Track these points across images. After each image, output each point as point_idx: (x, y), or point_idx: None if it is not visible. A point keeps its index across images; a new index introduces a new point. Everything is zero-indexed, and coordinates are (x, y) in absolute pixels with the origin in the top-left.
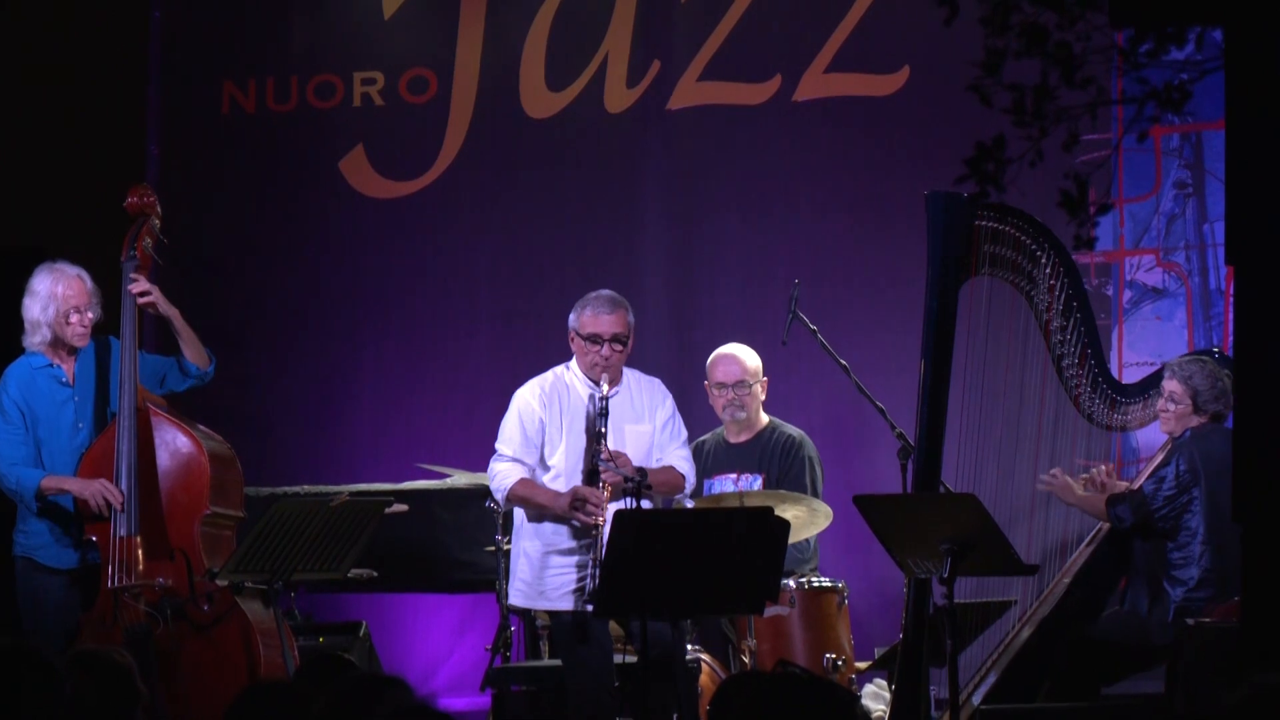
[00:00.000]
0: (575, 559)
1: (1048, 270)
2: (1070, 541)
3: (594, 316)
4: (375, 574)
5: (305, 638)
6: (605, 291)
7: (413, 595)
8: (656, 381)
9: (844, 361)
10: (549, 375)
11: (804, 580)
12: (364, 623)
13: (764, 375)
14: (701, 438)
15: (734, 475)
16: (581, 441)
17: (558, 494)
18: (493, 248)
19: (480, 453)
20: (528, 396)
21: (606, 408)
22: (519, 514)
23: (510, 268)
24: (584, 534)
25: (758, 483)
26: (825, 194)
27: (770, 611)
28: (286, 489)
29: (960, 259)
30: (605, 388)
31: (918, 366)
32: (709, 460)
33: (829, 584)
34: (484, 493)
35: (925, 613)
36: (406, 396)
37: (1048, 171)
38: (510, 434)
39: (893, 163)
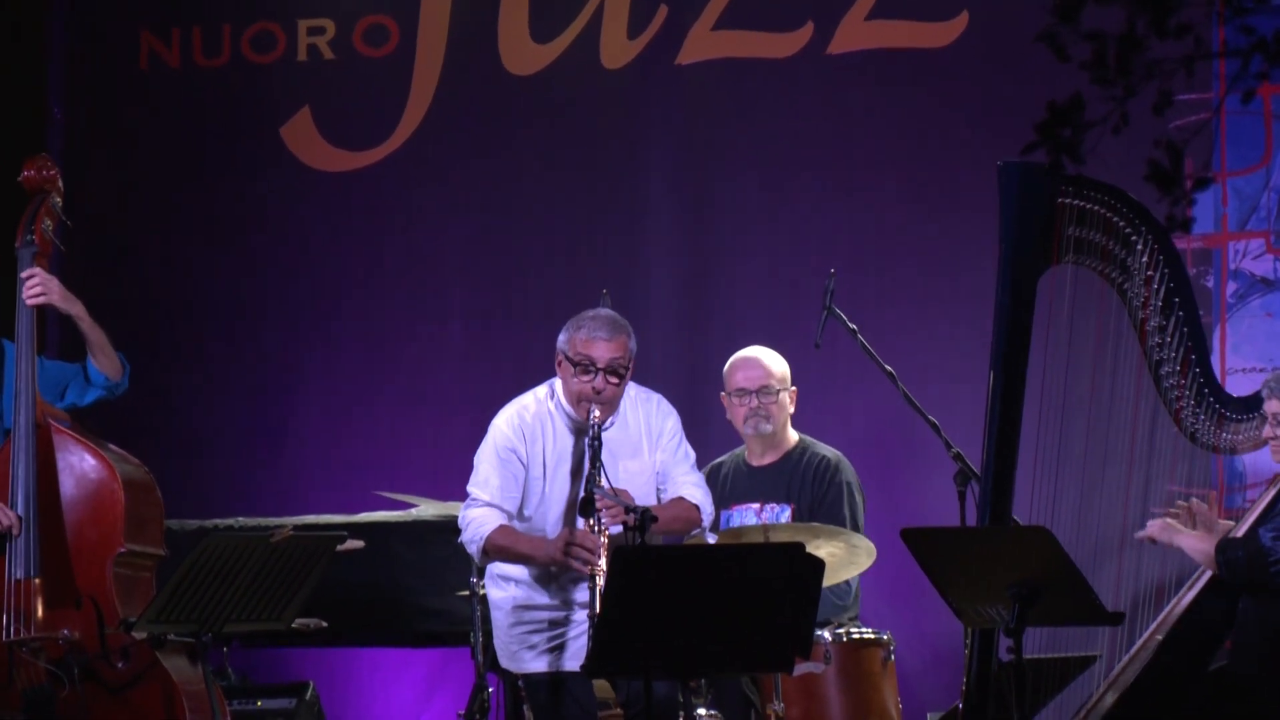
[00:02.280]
0: (550, 615)
1: (1145, 259)
2: (1167, 586)
3: (588, 339)
4: (325, 624)
5: (240, 701)
6: (605, 311)
7: (370, 650)
8: (655, 397)
9: (890, 368)
10: (529, 402)
11: (842, 631)
12: (311, 683)
13: (792, 384)
14: (718, 460)
15: (757, 505)
16: (567, 489)
17: (543, 540)
18: (466, 233)
19: (451, 479)
20: (505, 429)
21: (599, 442)
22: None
23: (487, 257)
24: (561, 587)
25: (786, 514)
26: (866, 166)
27: (801, 669)
28: (217, 522)
29: (1038, 244)
30: (597, 411)
31: (978, 374)
32: (728, 487)
33: (871, 636)
34: (455, 526)
35: (989, 670)
36: (362, 411)
37: (1135, 139)
38: (486, 475)
39: (948, 129)
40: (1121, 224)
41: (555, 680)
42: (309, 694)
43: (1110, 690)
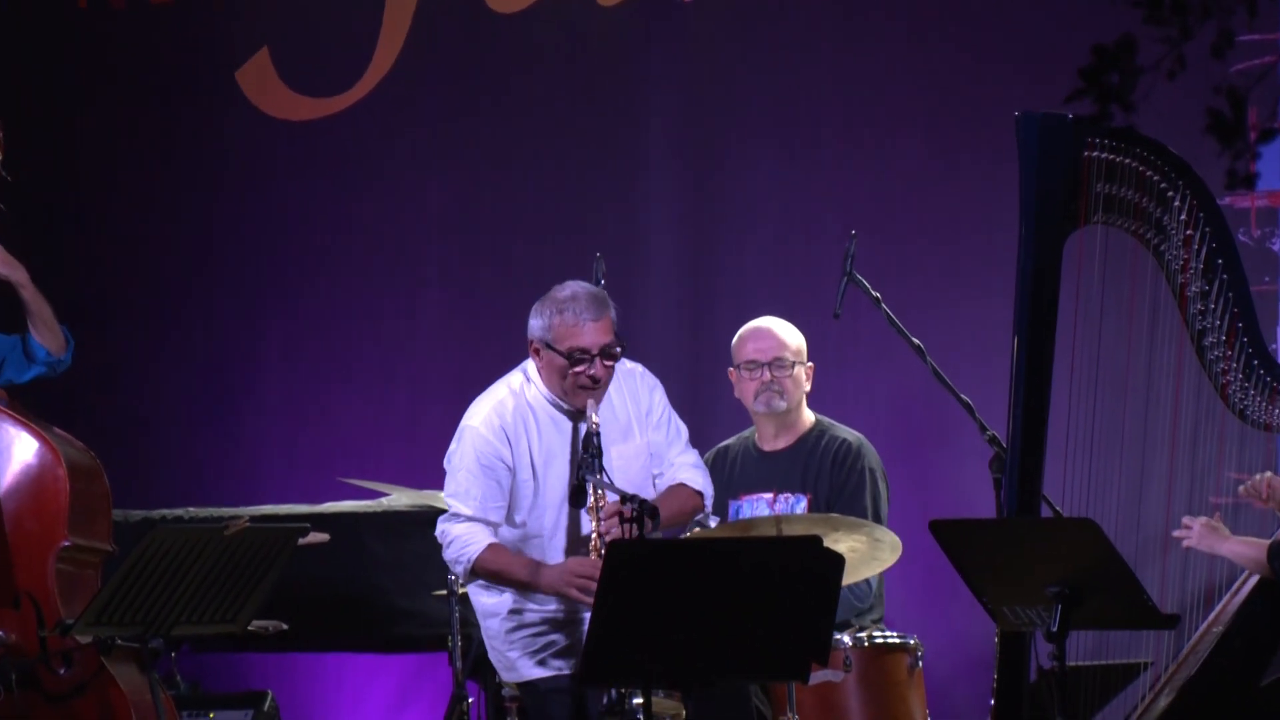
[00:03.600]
0: (552, 615)
1: (1183, 216)
2: (1218, 586)
3: (575, 325)
4: (285, 627)
5: (191, 713)
6: (579, 287)
7: (336, 656)
8: (636, 369)
9: (917, 341)
10: (504, 396)
11: (863, 635)
12: (269, 693)
13: (809, 359)
14: (724, 443)
15: (769, 495)
16: (562, 487)
17: (538, 566)
18: (444, 191)
19: (427, 465)
20: (484, 433)
21: (599, 443)
22: None
23: (467, 219)
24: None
25: (801, 505)
26: (891, 118)
27: (818, 677)
28: (165, 513)
29: (1064, 203)
30: (594, 417)
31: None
32: (736, 473)
33: (897, 640)
34: (431, 517)
35: (1026, 679)
36: (328, 389)
37: (1192, 85)
38: (465, 484)
39: (983, 73)
40: (1156, 178)
41: (559, 688)
42: (267, 704)
43: (1162, 694)
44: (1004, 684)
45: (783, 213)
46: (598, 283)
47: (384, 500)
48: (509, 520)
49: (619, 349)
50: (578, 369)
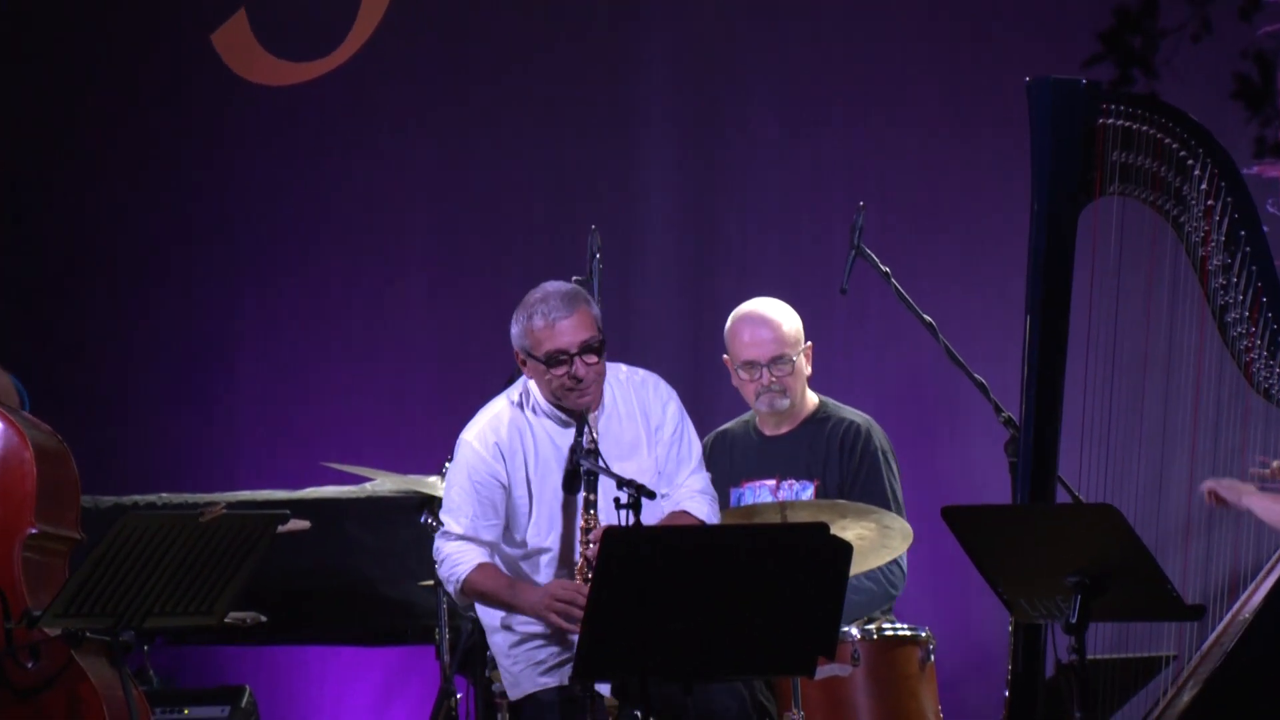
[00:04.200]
0: (544, 632)
1: (1203, 186)
2: (1243, 574)
3: (548, 327)
4: (263, 619)
5: (165, 709)
6: (551, 287)
7: (317, 649)
8: (650, 378)
9: (929, 318)
10: (502, 409)
11: (872, 628)
12: (247, 688)
13: (806, 340)
14: (723, 426)
15: (772, 482)
16: (560, 503)
17: (520, 588)
18: (430, 159)
19: (412, 448)
20: (477, 448)
21: (598, 456)
22: None
23: (454, 188)
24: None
25: (808, 493)
26: (900, 82)
27: (825, 672)
28: (137, 499)
29: (1078, 173)
30: (592, 432)
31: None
32: (737, 460)
33: (907, 633)
34: (418, 503)
35: (1043, 673)
36: (308, 368)
37: (1219, 49)
38: (458, 501)
39: (996, 37)
40: (1175, 146)
41: (558, 700)
42: (245, 700)
43: (1186, 687)
44: (1019, 678)
45: (787, 183)
46: (592, 257)
47: (368, 485)
48: (509, 540)
49: (599, 342)
50: (557, 370)
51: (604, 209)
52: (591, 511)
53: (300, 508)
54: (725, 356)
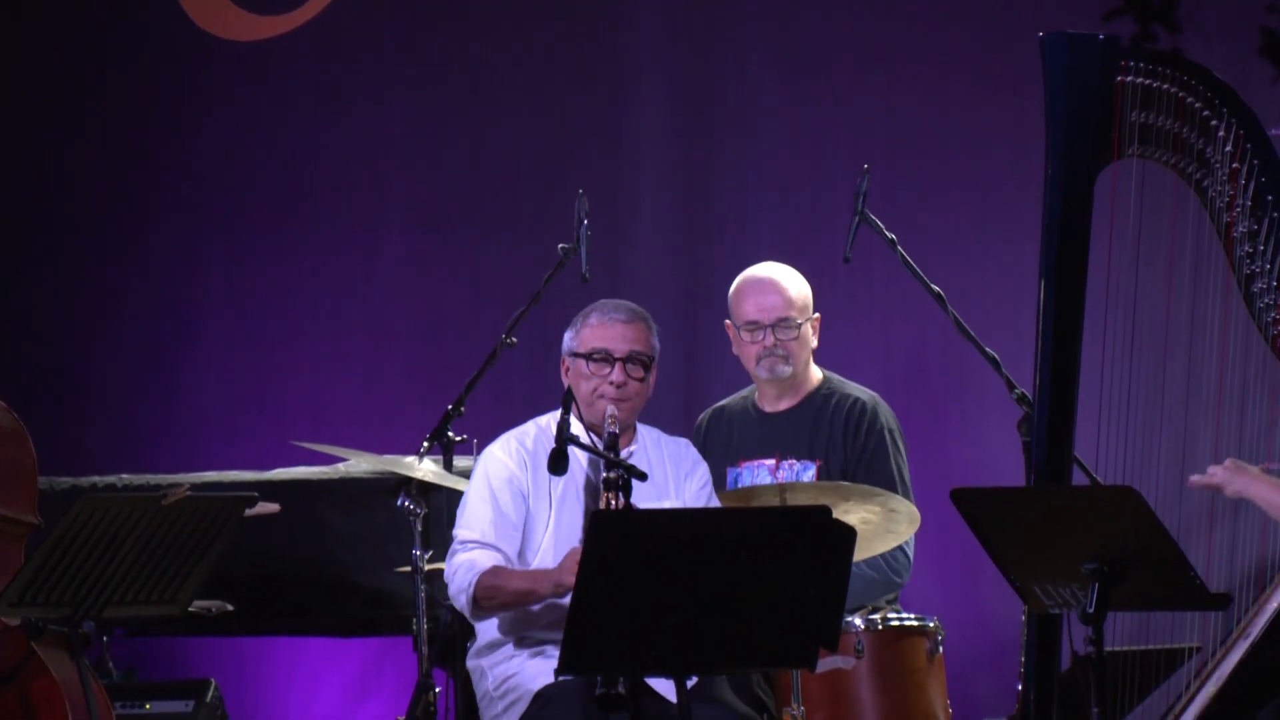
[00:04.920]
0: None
1: (1228, 148)
2: (1270, 561)
3: (601, 325)
4: (230, 608)
5: (126, 704)
6: (621, 300)
7: (287, 640)
8: (683, 442)
9: (937, 288)
10: (528, 428)
11: (877, 618)
12: (213, 682)
13: (816, 310)
14: (722, 402)
15: (772, 461)
16: (579, 518)
17: (542, 570)
18: (406, 119)
19: (389, 426)
20: (501, 456)
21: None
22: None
23: (433, 149)
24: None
25: (810, 473)
26: (908, 37)
27: (826, 664)
28: (96, 480)
29: (1095, 134)
30: (614, 410)
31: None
32: (735, 437)
33: (914, 623)
34: (394, 485)
35: (1058, 665)
36: (277, 341)
37: (1244, 3)
38: (474, 510)
39: None
40: (1198, 105)
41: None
42: (210, 694)
43: (1210, 682)
44: (1034, 671)
45: (787, 146)
46: (580, 223)
47: (341, 466)
48: (522, 560)
49: (649, 360)
50: (598, 371)
51: (592, 173)
52: (614, 490)
53: (269, 489)
54: (727, 322)
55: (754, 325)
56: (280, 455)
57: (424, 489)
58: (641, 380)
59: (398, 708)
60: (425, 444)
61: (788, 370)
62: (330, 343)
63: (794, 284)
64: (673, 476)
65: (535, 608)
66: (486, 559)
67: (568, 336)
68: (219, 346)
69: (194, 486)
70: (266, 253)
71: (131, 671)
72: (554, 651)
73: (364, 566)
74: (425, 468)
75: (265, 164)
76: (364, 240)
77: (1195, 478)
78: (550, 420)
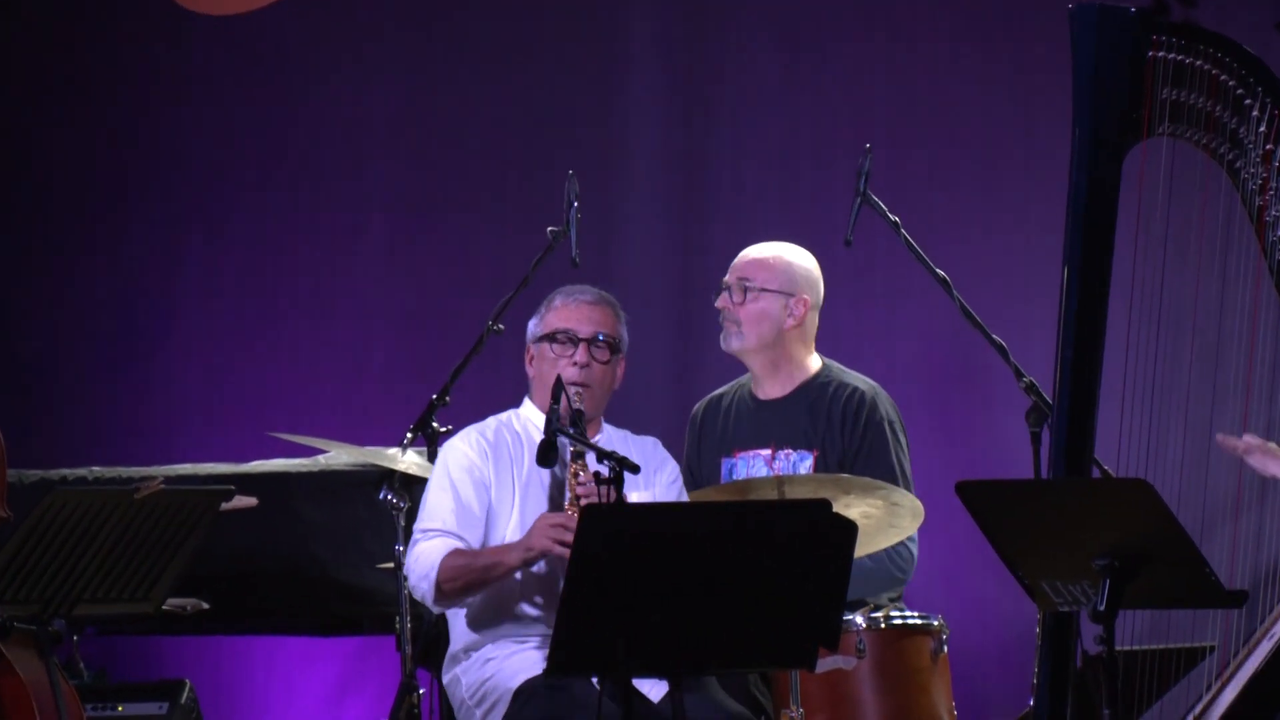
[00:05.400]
0: (538, 613)
1: (1262, 128)
2: None
3: (565, 307)
4: (206, 606)
5: (98, 706)
6: (588, 286)
7: (265, 640)
8: (651, 441)
9: (943, 273)
10: (489, 422)
11: (879, 616)
12: (188, 683)
13: (801, 293)
14: (718, 391)
15: (767, 451)
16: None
17: (505, 545)
18: (391, 97)
19: (370, 417)
20: (461, 446)
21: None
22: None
23: (418, 129)
24: (541, 589)
25: (807, 463)
26: (912, 11)
27: (826, 664)
28: (66, 473)
29: (1125, 111)
30: (570, 401)
31: (1058, 282)
32: (729, 426)
33: (918, 621)
34: (376, 478)
35: (1070, 666)
36: (253, 329)
37: None
38: (434, 502)
39: None
40: (1231, 83)
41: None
42: (185, 696)
43: (1229, 685)
44: (1044, 672)
45: (786, 123)
46: (570, 205)
47: (321, 458)
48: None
49: (615, 343)
50: (562, 352)
51: (583, 152)
52: (581, 460)
53: (246, 483)
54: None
55: (723, 287)
56: (258, 447)
57: (407, 482)
58: (607, 364)
59: (380, 710)
60: (408, 435)
61: (737, 342)
62: (310, 330)
63: (774, 254)
64: (642, 467)
65: (525, 606)
66: (446, 543)
67: (532, 324)
68: (194, 334)
69: (168, 479)
70: (244, 236)
71: (103, 672)
72: (533, 644)
73: (345, 562)
74: (408, 460)
75: (242, 143)
76: (345, 223)
77: (1225, 436)
78: (512, 415)
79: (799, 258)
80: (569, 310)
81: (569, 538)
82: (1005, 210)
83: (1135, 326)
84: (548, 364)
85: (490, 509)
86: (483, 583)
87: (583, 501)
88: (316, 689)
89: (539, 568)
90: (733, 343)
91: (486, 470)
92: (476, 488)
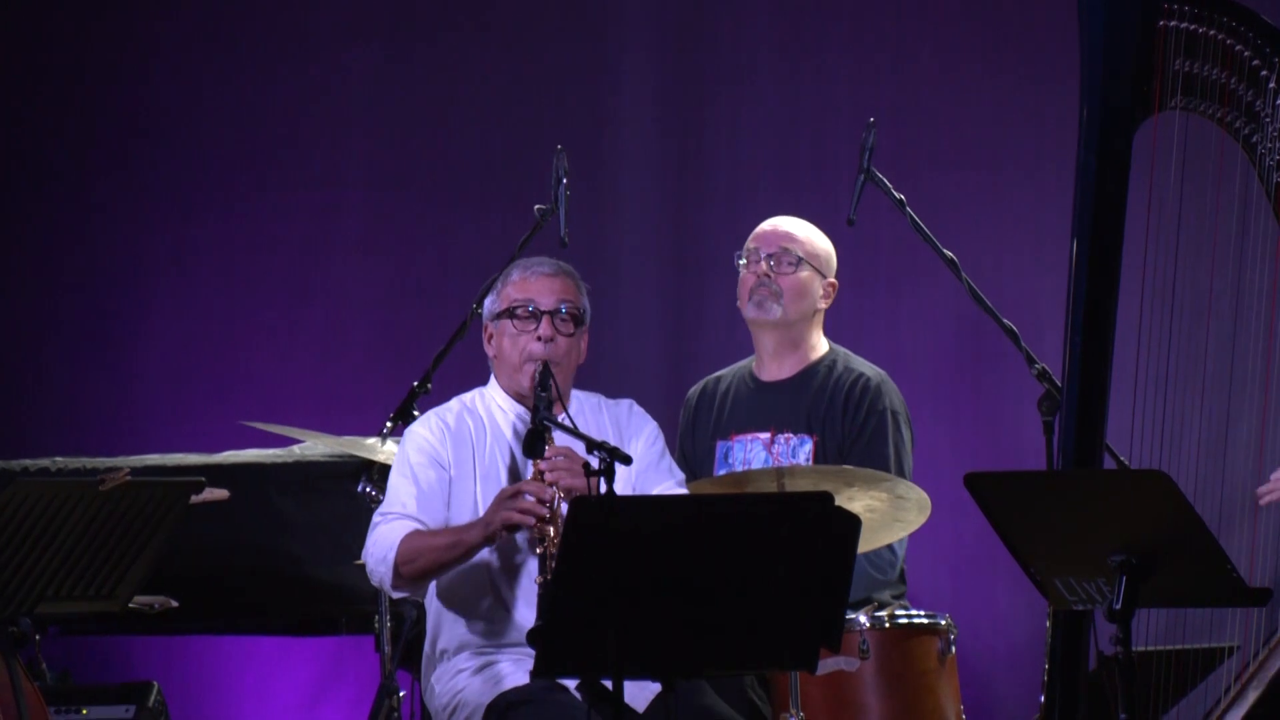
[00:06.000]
0: (512, 639)
1: (1278, 100)
2: None
3: (524, 280)
4: (175, 604)
5: (60, 709)
6: (545, 257)
7: (237, 640)
8: (627, 401)
9: (950, 254)
10: (451, 405)
11: (884, 615)
12: (155, 685)
13: (831, 276)
14: (716, 374)
15: (766, 435)
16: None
17: (469, 522)
18: (369, 65)
19: (347, 406)
20: (420, 430)
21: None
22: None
23: (397, 99)
24: (519, 603)
25: (807, 448)
26: None
27: (828, 666)
28: (27, 463)
29: (1135, 84)
30: (557, 387)
31: (1067, 260)
32: (727, 408)
33: (925, 620)
34: (354, 469)
35: (1083, 667)
36: (226, 313)
37: None
38: (395, 488)
39: None
40: (1247, 53)
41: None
42: (153, 699)
43: (1252, 686)
44: (1057, 673)
45: (785, 96)
46: (559, 182)
47: (296, 448)
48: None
49: (579, 313)
50: (524, 327)
51: (572, 128)
52: (547, 434)
53: (217, 474)
54: (737, 258)
55: (752, 254)
56: (230, 436)
57: (386, 473)
58: (571, 336)
59: (358, 713)
60: (388, 424)
61: (776, 310)
62: (285, 313)
63: (809, 231)
64: (615, 441)
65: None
66: (407, 526)
67: (488, 302)
68: (162, 317)
69: (135, 470)
70: (215, 215)
71: (66, 674)
72: (508, 657)
73: (320, 559)
74: (388, 450)
75: (214, 117)
76: (322, 201)
77: (1263, 489)
78: (476, 395)
79: (823, 237)
80: (528, 283)
81: (532, 505)
82: (1017, 186)
83: (1149, 311)
84: (509, 340)
85: (452, 498)
86: (442, 564)
87: (547, 476)
88: (291, 692)
89: (516, 575)
90: (771, 312)
91: (445, 454)
92: (437, 472)
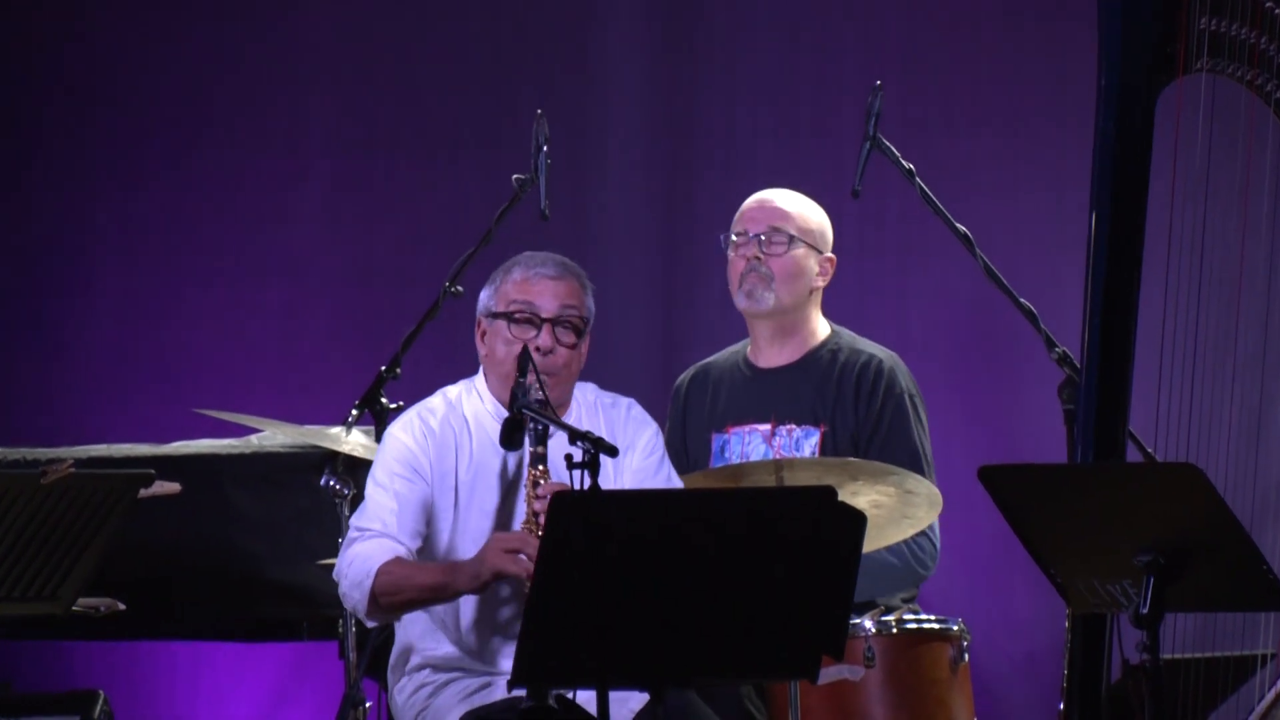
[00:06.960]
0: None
1: None
2: None
3: (525, 280)
4: (122, 607)
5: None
6: (549, 253)
7: (189, 645)
8: (625, 401)
9: (963, 228)
10: (435, 403)
11: (890, 620)
12: (101, 694)
13: (828, 251)
14: (709, 359)
15: (766, 426)
16: (488, 523)
17: (456, 561)
18: (333, 24)
19: (309, 392)
20: (401, 436)
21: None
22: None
23: (365, 61)
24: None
25: (813, 440)
26: None
27: (831, 675)
28: None
29: (1158, 45)
30: (539, 376)
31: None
32: (722, 397)
33: (935, 626)
34: (316, 461)
35: (1106, 675)
36: (177, 291)
37: None
38: (374, 499)
39: None
40: (1278, 10)
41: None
42: (98, 709)
43: None
44: (1077, 682)
45: (786, 58)
46: (538, 150)
47: (253, 439)
48: (424, 558)
49: (582, 323)
50: (522, 334)
51: (554, 90)
52: (541, 466)
53: (168, 466)
54: (727, 238)
55: (740, 235)
56: (182, 425)
57: (352, 466)
58: (573, 348)
59: None
60: (354, 412)
61: (769, 298)
62: (241, 292)
63: (800, 204)
64: (617, 443)
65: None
66: (389, 549)
67: (484, 295)
68: (108, 295)
69: (79, 462)
70: (165, 184)
71: (6, 684)
72: (468, 680)
73: (280, 558)
74: (353, 441)
75: (165, 80)
76: (282, 169)
77: None
78: (461, 392)
79: (817, 210)
80: (530, 285)
81: (526, 563)
82: (1035, 157)
83: (1174, 290)
84: (504, 345)
85: (432, 513)
86: (424, 603)
87: (540, 519)
88: (248, 701)
89: (497, 590)
90: (764, 301)
91: (427, 465)
92: (417, 484)
